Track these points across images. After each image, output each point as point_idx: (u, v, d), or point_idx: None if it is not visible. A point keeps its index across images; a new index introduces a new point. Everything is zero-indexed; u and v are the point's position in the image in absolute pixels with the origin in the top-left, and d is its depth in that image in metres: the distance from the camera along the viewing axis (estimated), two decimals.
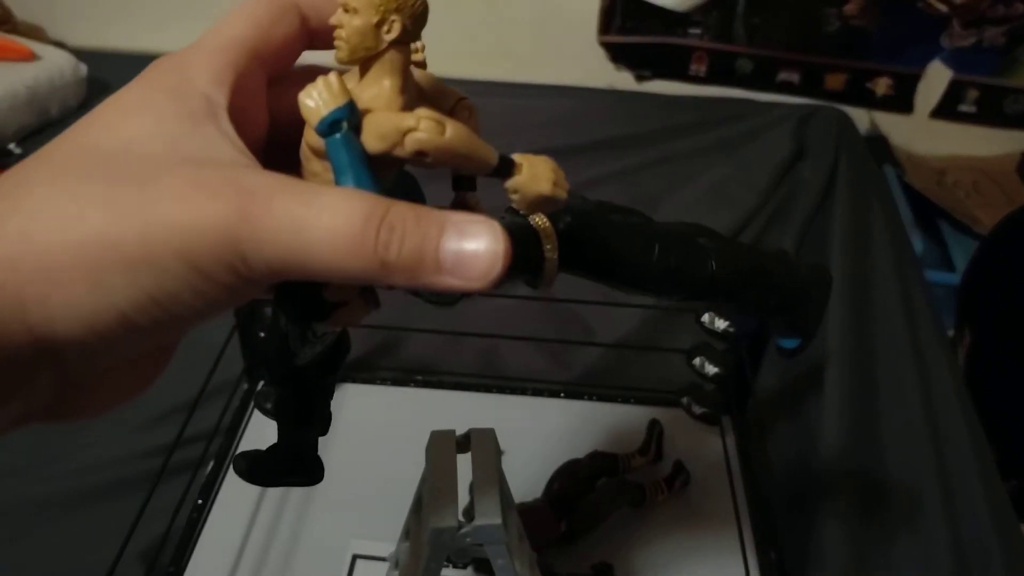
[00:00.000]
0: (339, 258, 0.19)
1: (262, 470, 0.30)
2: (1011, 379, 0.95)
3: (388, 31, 0.22)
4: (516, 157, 0.24)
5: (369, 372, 0.69)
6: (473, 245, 0.20)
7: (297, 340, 0.28)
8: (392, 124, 0.22)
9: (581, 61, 1.18)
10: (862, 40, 1.11)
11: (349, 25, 0.22)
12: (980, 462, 0.67)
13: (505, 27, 1.17)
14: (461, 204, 0.26)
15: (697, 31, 1.13)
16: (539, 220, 0.31)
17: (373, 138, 0.22)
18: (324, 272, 0.20)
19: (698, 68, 1.17)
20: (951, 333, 0.98)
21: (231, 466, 0.30)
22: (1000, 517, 0.63)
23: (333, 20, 0.23)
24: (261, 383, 0.65)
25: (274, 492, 0.59)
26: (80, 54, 1.09)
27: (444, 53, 1.37)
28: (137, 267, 0.19)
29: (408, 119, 0.22)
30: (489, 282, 0.20)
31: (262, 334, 0.49)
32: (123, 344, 0.20)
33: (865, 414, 0.71)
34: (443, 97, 0.25)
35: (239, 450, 0.61)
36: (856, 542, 0.60)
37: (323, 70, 0.23)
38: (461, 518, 0.36)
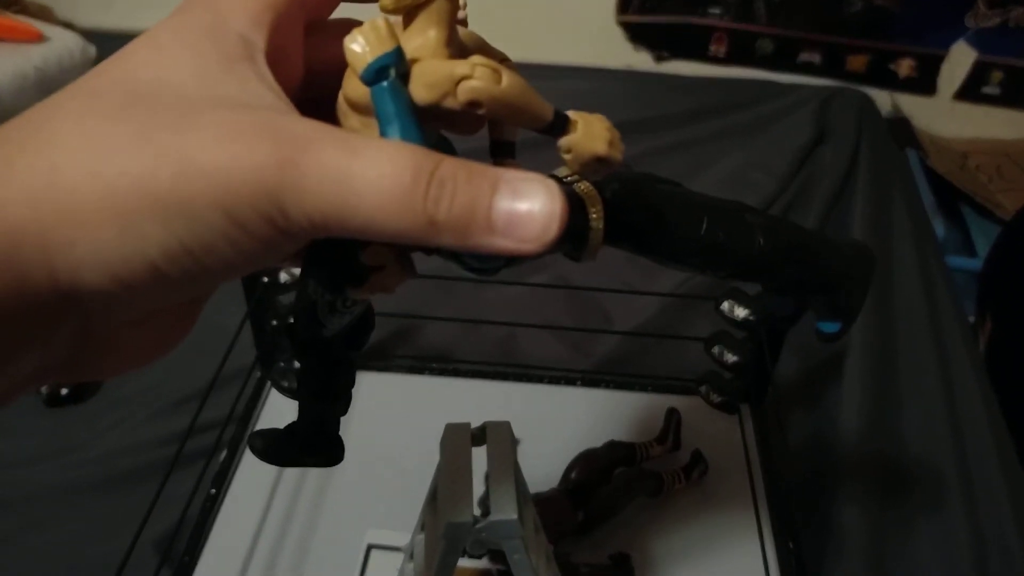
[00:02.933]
0: (385, 214, 0.18)
1: (279, 449, 0.28)
2: None
3: None
4: (571, 114, 0.23)
5: (385, 360, 0.69)
6: (527, 204, 0.19)
7: (326, 309, 0.25)
8: (444, 72, 0.20)
9: (598, 41, 1.16)
10: (885, 20, 1.08)
11: None
12: (1000, 450, 0.66)
13: (520, 5, 1.15)
14: None
15: (717, 11, 1.11)
16: (584, 187, 0.28)
17: (422, 87, 0.21)
18: (367, 229, 0.19)
19: (718, 49, 1.14)
20: (972, 319, 0.96)
21: (247, 447, 0.30)
22: (1020, 505, 0.62)
23: None
24: (279, 363, 0.65)
25: (288, 481, 0.59)
26: (89, 35, 1.08)
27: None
28: (170, 214, 0.18)
29: (462, 66, 0.20)
30: (543, 245, 0.19)
31: (274, 322, 0.49)
32: (150, 296, 0.19)
33: (885, 402, 0.70)
34: (487, 55, 0.23)
35: None
36: (875, 531, 0.60)
37: (359, 24, 0.22)
38: (476, 513, 0.35)
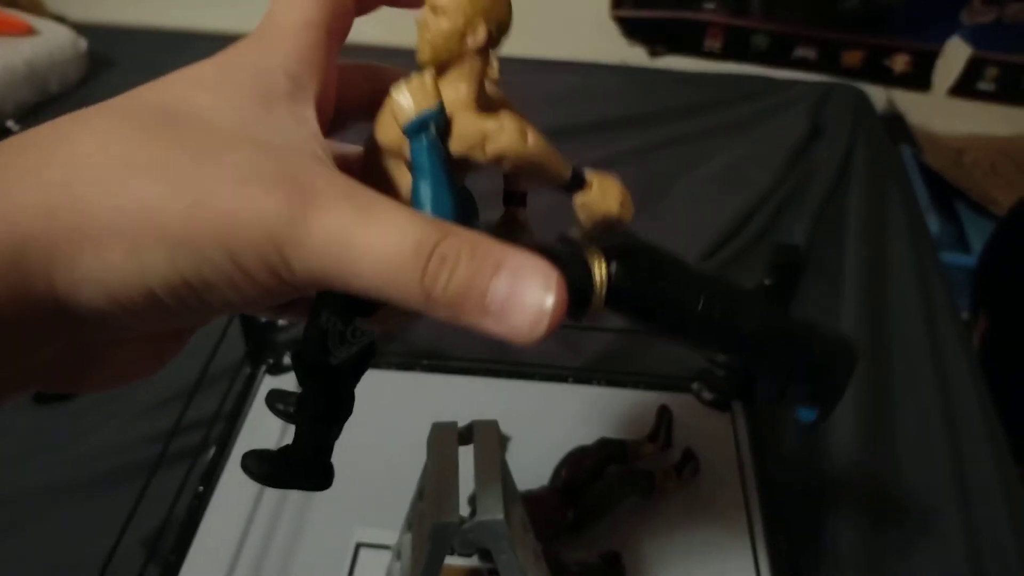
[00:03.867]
0: (384, 282, 0.18)
1: (272, 471, 0.28)
2: None
3: (473, 37, 0.22)
4: (587, 173, 0.25)
5: (374, 356, 0.68)
6: (524, 295, 0.19)
7: (336, 339, 0.27)
8: (475, 127, 0.22)
9: (593, 36, 1.15)
10: (881, 15, 1.08)
11: (435, 27, 0.22)
12: (994, 447, 0.66)
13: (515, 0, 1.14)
14: (510, 220, 0.26)
15: (712, 5, 1.10)
16: (594, 255, 0.28)
17: (453, 140, 0.22)
18: (367, 292, 0.19)
19: (712, 44, 1.14)
20: (966, 316, 0.96)
21: (242, 464, 0.30)
22: (1014, 502, 0.62)
23: (419, 19, 0.22)
24: (270, 382, 0.64)
25: None
26: (80, 28, 1.07)
27: None
28: (176, 247, 0.18)
29: (491, 122, 0.22)
30: (532, 339, 0.19)
31: (264, 319, 0.48)
32: (145, 320, 0.19)
33: (879, 399, 0.70)
34: (512, 112, 0.24)
35: (240, 435, 0.60)
36: (868, 530, 0.59)
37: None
38: (463, 513, 0.35)
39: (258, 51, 0.21)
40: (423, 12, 0.22)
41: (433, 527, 0.34)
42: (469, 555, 0.51)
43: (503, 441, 0.38)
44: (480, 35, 0.22)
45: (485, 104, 0.23)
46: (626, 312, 0.29)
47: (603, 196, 0.25)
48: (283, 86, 0.20)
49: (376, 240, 0.18)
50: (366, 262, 0.18)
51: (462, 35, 0.22)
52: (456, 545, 0.36)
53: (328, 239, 0.18)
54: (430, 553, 0.35)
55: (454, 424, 0.37)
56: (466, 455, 0.38)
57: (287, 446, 0.29)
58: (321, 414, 0.29)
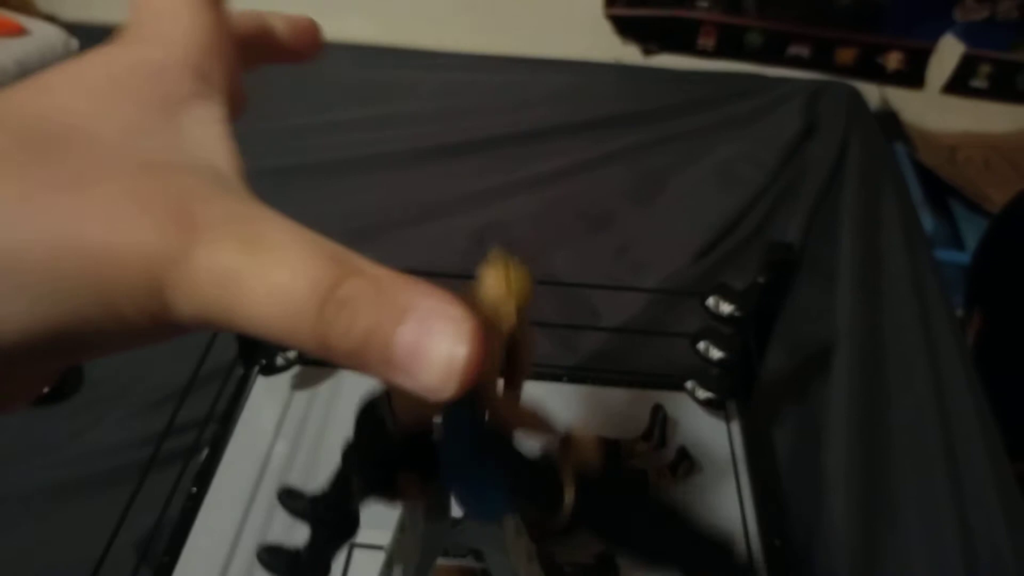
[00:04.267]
0: (276, 324, 0.16)
1: (286, 568, 0.39)
2: (1021, 361, 0.94)
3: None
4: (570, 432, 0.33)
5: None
6: (432, 344, 0.16)
7: (358, 495, 0.34)
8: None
9: (587, 34, 1.15)
10: (874, 13, 1.08)
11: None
12: (989, 445, 0.66)
13: None
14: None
15: (705, 4, 1.10)
16: (568, 481, 0.34)
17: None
18: (257, 334, 0.17)
19: (706, 42, 1.14)
20: (960, 314, 0.96)
21: (258, 556, 0.46)
22: (1008, 500, 0.62)
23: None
24: (263, 383, 0.64)
25: (270, 481, 0.58)
26: (71, 28, 1.06)
27: (444, 25, 1.35)
28: (39, 289, 0.15)
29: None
30: (444, 396, 0.17)
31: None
32: (11, 361, 0.17)
33: (873, 397, 0.70)
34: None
35: (233, 436, 0.60)
36: (862, 527, 0.59)
37: None
38: (455, 515, 0.35)
39: (153, 43, 0.19)
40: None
41: (424, 529, 0.34)
42: (464, 556, 0.51)
43: None
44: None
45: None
46: (586, 525, 0.36)
47: (583, 450, 0.33)
48: (187, 85, 0.19)
49: (265, 280, 0.16)
50: (255, 306, 0.16)
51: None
52: (449, 546, 0.36)
53: (213, 279, 0.16)
54: (423, 554, 0.35)
55: None
56: None
57: (301, 550, 0.37)
58: (333, 535, 0.36)
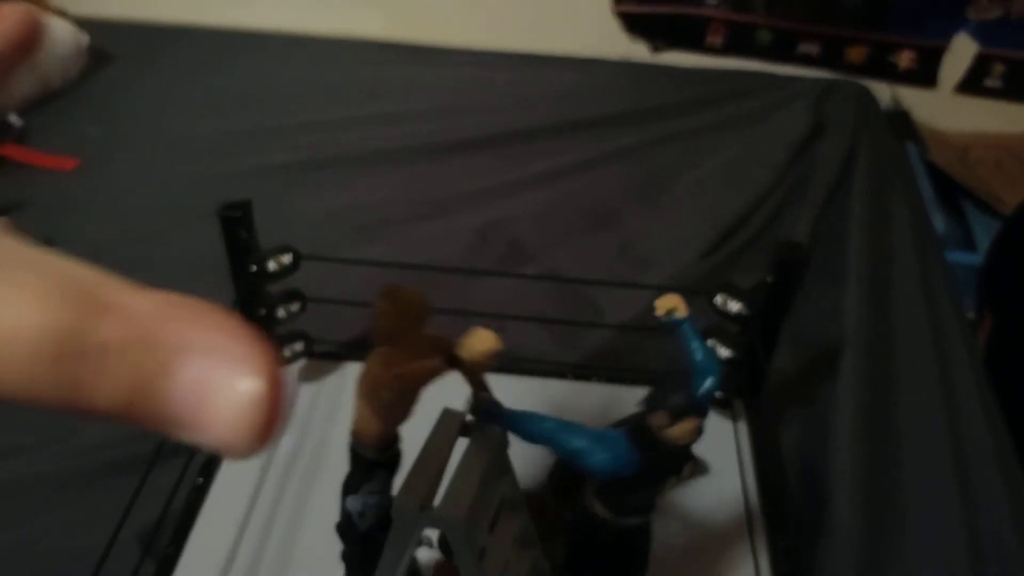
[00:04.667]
0: (17, 374, 0.13)
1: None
2: None
3: None
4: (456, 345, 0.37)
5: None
6: (217, 390, 0.13)
7: (358, 517, 0.40)
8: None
9: (595, 31, 1.15)
10: (885, 11, 1.07)
11: None
12: (998, 448, 0.66)
13: None
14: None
15: (714, 1, 1.10)
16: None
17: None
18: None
19: (714, 39, 1.13)
20: (971, 315, 0.96)
21: None
22: (1018, 503, 0.62)
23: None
24: None
25: (277, 470, 0.58)
26: (82, 23, 1.07)
27: (451, 21, 1.34)
28: None
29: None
30: (248, 452, 0.14)
31: (263, 311, 0.55)
32: None
33: (881, 398, 0.69)
34: None
35: None
36: (870, 530, 0.59)
37: None
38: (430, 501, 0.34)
39: None
40: None
41: (395, 506, 0.34)
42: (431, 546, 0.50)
43: (502, 446, 0.38)
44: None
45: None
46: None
47: (475, 342, 0.37)
48: None
49: (6, 318, 0.13)
50: None
51: None
52: (420, 535, 0.36)
53: None
54: (392, 532, 0.35)
55: (462, 415, 0.37)
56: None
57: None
58: (360, 565, 0.41)
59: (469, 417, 0.38)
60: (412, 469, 0.35)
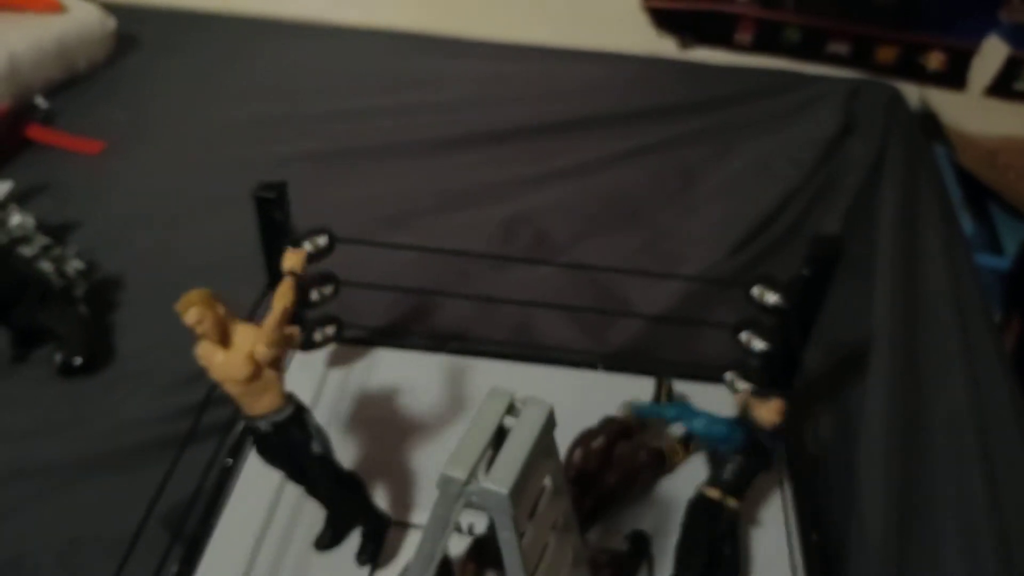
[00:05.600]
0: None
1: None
2: None
3: None
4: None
5: (401, 337, 0.68)
6: None
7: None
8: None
9: (623, 27, 1.14)
10: (916, 11, 1.06)
11: None
12: None
13: None
14: None
15: None
16: None
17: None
18: None
19: (743, 37, 1.12)
20: (998, 319, 0.95)
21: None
22: None
23: None
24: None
25: None
26: (109, 8, 1.07)
27: (480, 14, 1.34)
28: None
29: None
30: None
31: None
32: None
33: (910, 396, 0.69)
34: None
35: None
36: (898, 522, 0.58)
37: None
38: (476, 475, 0.34)
39: None
40: None
41: (441, 476, 0.34)
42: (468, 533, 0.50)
43: (548, 427, 0.37)
44: None
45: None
46: None
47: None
48: None
49: None
50: None
51: None
52: (460, 511, 0.35)
53: None
54: (436, 504, 0.35)
55: (510, 394, 0.37)
56: None
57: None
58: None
59: (516, 396, 0.37)
60: (459, 444, 0.35)
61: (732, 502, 0.50)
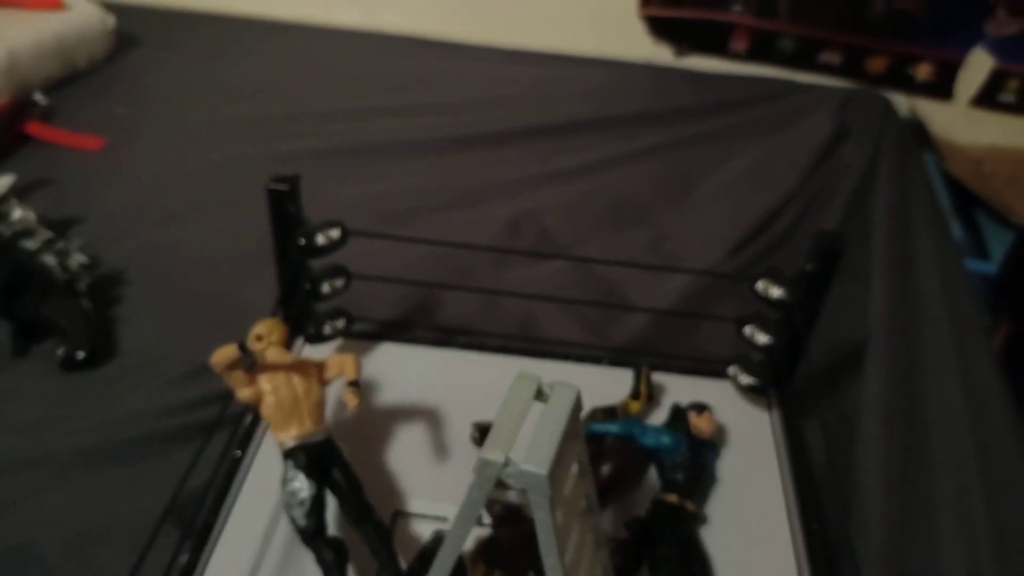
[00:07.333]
0: None
1: None
2: None
3: None
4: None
5: (408, 331, 0.68)
6: None
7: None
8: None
9: (620, 33, 1.16)
10: (906, 23, 1.09)
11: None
12: (1020, 443, 0.66)
13: None
14: None
15: (739, 8, 1.11)
16: None
17: None
18: None
19: (738, 45, 1.15)
20: (985, 322, 0.97)
21: None
22: None
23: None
24: (309, 351, 0.64)
25: None
26: (109, 6, 1.07)
27: (481, 20, 1.35)
28: None
29: None
30: None
31: (308, 286, 0.55)
32: None
33: (907, 394, 0.70)
34: None
35: None
36: (899, 517, 0.59)
37: None
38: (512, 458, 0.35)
39: None
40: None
41: (478, 460, 0.35)
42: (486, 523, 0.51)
43: (576, 409, 0.38)
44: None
45: None
46: None
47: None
48: None
49: None
50: None
51: None
52: (493, 491, 0.36)
53: None
54: (471, 487, 0.36)
55: (538, 377, 0.37)
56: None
57: None
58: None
59: (544, 380, 0.38)
60: (493, 428, 0.35)
61: (690, 505, 0.54)
